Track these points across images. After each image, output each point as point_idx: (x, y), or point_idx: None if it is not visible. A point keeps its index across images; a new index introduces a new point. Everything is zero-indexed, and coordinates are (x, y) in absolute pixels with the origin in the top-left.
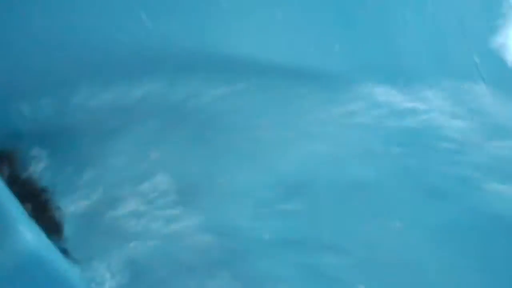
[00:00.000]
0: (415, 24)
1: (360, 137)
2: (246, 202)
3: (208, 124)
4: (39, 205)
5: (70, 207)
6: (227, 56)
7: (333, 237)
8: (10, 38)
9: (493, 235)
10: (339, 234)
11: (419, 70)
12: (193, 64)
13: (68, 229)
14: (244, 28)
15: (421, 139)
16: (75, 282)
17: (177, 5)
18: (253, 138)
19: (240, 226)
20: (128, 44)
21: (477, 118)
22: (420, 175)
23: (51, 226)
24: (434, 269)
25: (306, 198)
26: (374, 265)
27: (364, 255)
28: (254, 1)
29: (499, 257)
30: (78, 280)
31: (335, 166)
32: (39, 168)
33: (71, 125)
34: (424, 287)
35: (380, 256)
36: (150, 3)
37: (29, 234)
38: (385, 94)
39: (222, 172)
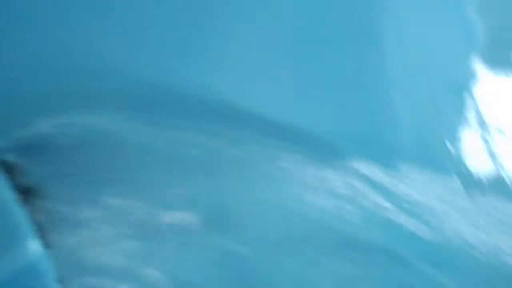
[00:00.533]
0: (402, 107)
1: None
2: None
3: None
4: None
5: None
6: (225, 106)
7: None
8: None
9: None
10: None
11: (399, 151)
12: (193, 110)
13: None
14: (251, 83)
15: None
16: None
17: (187, 49)
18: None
19: None
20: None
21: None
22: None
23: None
24: None
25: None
26: None
27: None
28: (262, 58)
29: None
30: None
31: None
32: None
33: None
34: None
35: None
36: (154, 45)
37: (32, 248)
38: (365, 166)
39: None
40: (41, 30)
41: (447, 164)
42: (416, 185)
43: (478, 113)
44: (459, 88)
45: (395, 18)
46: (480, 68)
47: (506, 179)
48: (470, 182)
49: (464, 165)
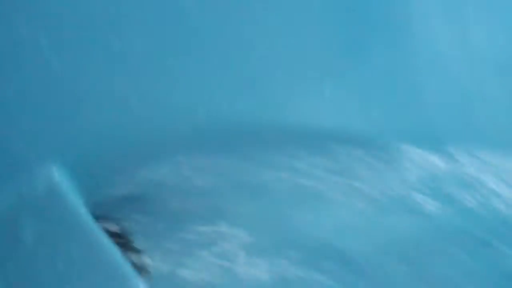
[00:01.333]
0: (444, 94)
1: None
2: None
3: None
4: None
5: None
6: (277, 125)
7: None
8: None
9: None
10: None
11: (450, 136)
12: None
13: None
14: (295, 100)
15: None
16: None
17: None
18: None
19: None
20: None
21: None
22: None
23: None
24: None
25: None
26: None
27: None
28: (303, 77)
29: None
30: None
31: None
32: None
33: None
34: None
35: None
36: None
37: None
38: (418, 156)
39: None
40: None
41: (499, 143)
42: (473, 166)
43: None
44: (505, 68)
45: (422, 6)
46: None
47: None
48: None
49: None
